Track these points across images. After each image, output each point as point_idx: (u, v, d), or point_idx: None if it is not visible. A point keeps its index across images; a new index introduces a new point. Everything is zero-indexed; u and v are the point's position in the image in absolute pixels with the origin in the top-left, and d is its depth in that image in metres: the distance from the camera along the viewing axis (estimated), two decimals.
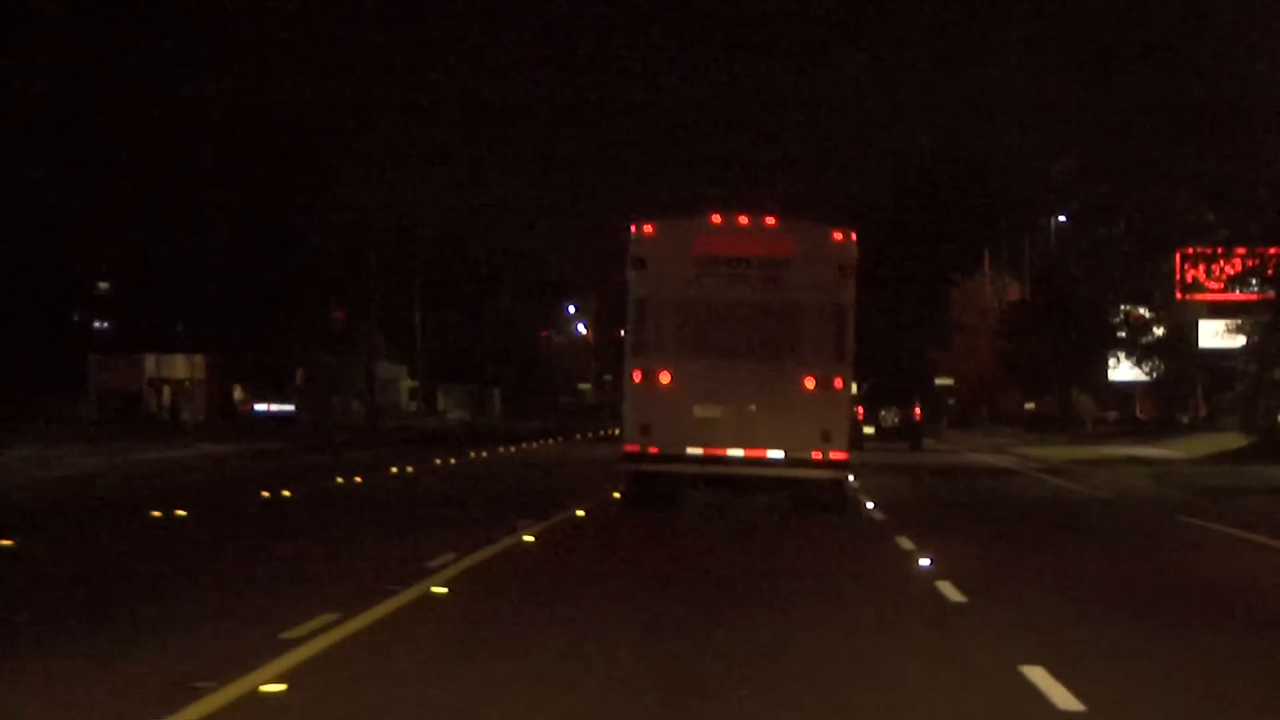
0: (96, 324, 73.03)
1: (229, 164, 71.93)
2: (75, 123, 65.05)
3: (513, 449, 55.10)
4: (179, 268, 69.71)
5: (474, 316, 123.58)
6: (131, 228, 67.24)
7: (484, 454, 50.13)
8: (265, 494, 29.32)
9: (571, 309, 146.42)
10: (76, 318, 69.33)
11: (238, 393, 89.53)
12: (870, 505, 29.27)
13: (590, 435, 73.11)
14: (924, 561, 19.71)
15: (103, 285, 71.62)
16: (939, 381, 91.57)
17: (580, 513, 27.03)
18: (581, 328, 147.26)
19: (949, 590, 17.21)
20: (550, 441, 62.39)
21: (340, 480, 34.79)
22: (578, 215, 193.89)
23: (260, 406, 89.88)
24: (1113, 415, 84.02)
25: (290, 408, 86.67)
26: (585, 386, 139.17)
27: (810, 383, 28.80)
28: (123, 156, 66.12)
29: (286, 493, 29.95)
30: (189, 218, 68.95)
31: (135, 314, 72.47)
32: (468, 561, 17.83)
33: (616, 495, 28.74)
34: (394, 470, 38.46)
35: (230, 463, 43.03)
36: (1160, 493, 37.10)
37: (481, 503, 29.15)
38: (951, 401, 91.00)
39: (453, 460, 44.85)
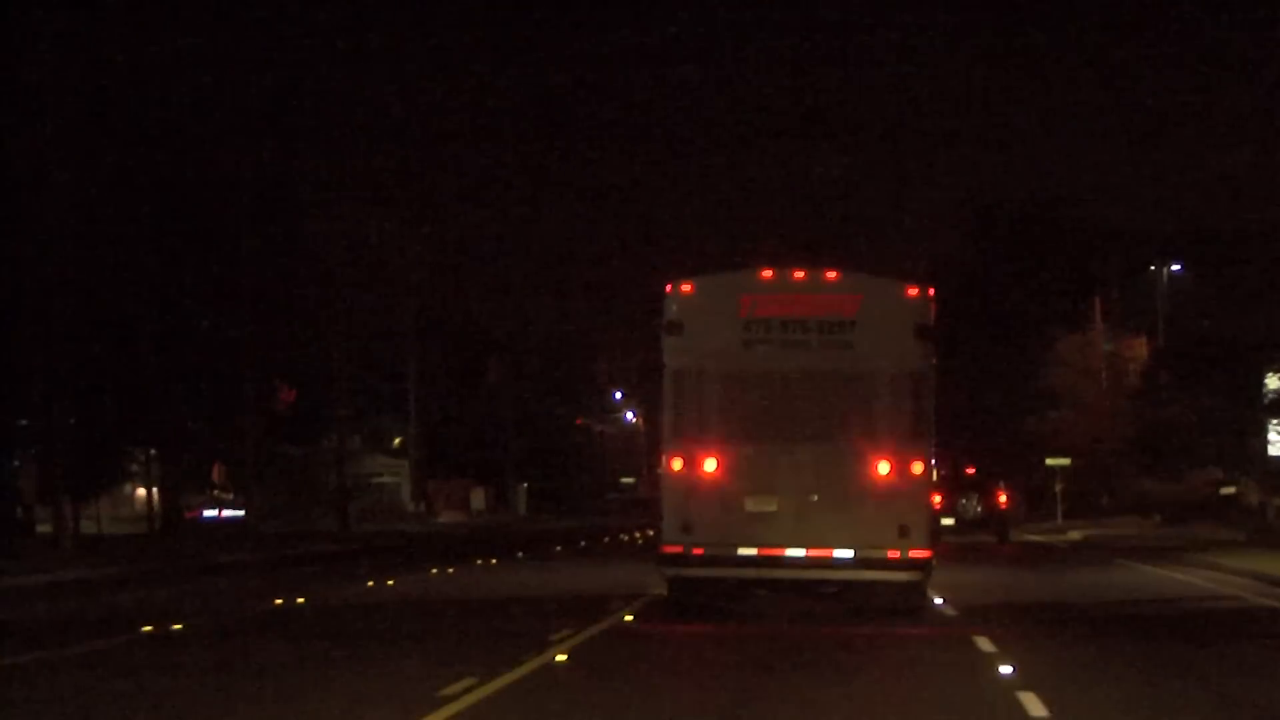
0: None
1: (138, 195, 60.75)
2: None
3: (470, 566, 43.57)
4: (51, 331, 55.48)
5: (490, 404, 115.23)
6: None
7: (397, 580, 37.44)
8: None
9: (618, 395, 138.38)
10: None
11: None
12: None
13: (589, 541, 60.66)
14: None
15: None
16: (1051, 462, 78.36)
17: None
18: (630, 415, 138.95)
19: None
20: (529, 555, 50.40)
21: None
22: (621, 293, 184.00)
23: (210, 513, 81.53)
24: (1278, 501, 69.65)
25: (241, 512, 75.73)
26: (629, 480, 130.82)
27: (884, 467, 26.02)
28: None
29: None
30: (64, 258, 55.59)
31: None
32: None
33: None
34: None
35: None
36: None
37: None
38: (1059, 486, 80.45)
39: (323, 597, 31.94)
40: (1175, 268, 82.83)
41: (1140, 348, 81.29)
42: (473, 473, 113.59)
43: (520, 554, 50.68)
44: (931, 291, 26.64)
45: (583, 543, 60.49)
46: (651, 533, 30.53)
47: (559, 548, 55.77)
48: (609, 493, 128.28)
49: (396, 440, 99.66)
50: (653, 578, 27.80)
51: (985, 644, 22.28)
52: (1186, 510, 71.06)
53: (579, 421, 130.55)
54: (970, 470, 71.90)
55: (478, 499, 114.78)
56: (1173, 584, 36.45)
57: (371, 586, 35.28)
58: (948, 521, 60.12)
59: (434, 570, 40.92)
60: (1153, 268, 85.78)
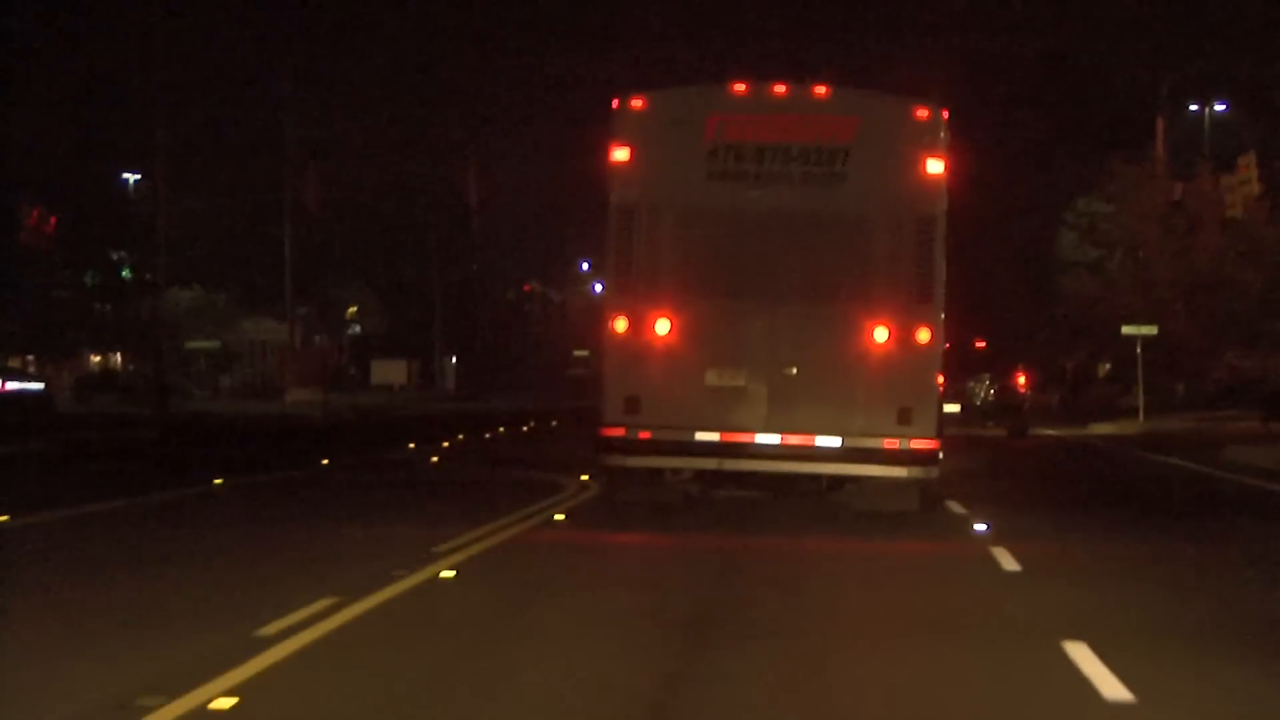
0: None
1: None
2: None
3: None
4: None
5: (416, 264, 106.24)
6: None
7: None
8: None
9: (585, 265, 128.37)
10: None
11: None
12: None
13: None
14: None
15: None
16: (1128, 330, 59.92)
17: None
18: (599, 286, 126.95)
19: None
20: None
21: None
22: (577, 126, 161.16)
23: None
24: None
25: (39, 385, 63.59)
26: (582, 353, 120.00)
27: (881, 334, 22.08)
28: None
29: None
30: None
31: None
32: None
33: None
34: None
35: None
36: None
37: None
38: (1107, 368, 68.00)
39: None
40: (1220, 107, 73.79)
41: (1247, 174, 64.81)
42: (406, 346, 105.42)
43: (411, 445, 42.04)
44: (946, 114, 21.85)
45: (500, 429, 51.20)
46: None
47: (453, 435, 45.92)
48: (568, 369, 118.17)
49: (351, 309, 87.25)
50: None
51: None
52: None
53: (526, 288, 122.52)
54: (980, 344, 62.19)
55: (397, 373, 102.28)
56: None
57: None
58: (951, 408, 51.15)
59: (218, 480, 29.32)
60: (1193, 107, 75.78)
